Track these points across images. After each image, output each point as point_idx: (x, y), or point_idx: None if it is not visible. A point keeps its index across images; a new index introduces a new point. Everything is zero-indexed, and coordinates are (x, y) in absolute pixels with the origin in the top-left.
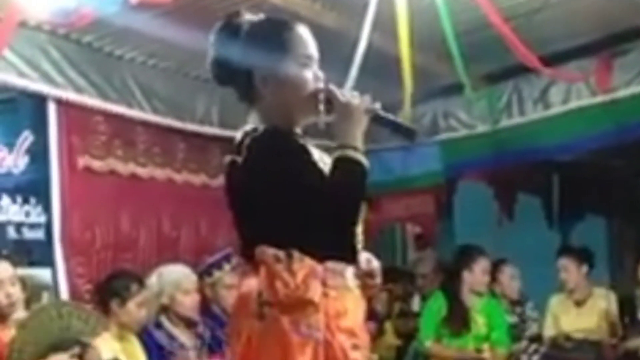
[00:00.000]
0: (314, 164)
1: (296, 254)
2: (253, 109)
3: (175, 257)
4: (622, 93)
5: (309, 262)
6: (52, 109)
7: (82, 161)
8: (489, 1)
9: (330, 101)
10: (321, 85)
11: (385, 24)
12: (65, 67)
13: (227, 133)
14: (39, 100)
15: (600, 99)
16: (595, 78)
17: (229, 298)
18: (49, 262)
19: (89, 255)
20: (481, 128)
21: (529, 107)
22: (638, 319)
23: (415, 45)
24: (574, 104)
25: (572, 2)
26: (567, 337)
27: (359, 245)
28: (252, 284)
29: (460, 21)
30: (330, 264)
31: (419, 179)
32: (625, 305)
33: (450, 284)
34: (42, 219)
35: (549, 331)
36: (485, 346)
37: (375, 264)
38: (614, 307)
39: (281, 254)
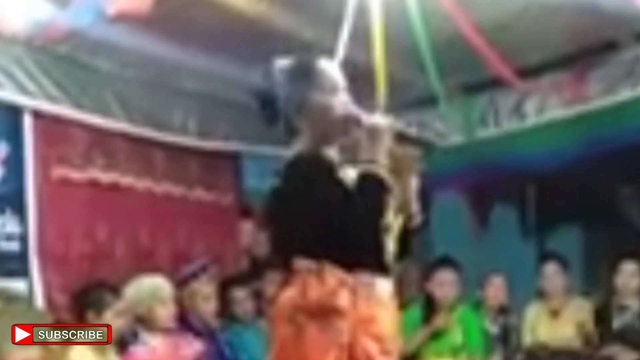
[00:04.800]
0: (337, 182)
1: (328, 266)
2: (295, 141)
3: (152, 268)
4: (596, 105)
5: (339, 273)
6: (27, 120)
7: (58, 172)
8: (464, 14)
9: (358, 123)
10: (350, 109)
11: (361, 36)
12: (41, 78)
13: (204, 144)
14: (15, 112)
15: (574, 110)
16: (569, 90)
17: (206, 308)
18: (24, 273)
19: (65, 266)
20: (457, 139)
21: (504, 118)
22: (613, 328)
23: (391, 56)
24: (548, 115)
25: (546, 16)
26: (543, 346)
27: (390, 258)
28: (288, 293)
29: (436, 33)
30: (361, 275)
31: None
32: (600, 314)
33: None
34: (18, 230)
35: (525, 340)
36: (462, 356)
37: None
38: (589, 316)
39: (314, 265)
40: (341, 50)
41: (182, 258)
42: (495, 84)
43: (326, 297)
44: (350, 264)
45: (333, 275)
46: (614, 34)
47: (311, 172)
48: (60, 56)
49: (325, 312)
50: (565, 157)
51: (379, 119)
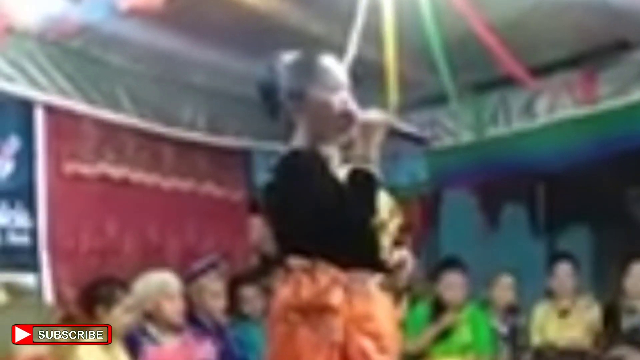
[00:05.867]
0: (331, 179)
1: (321, 263)
2: (292, 135)
3: (161, 263)
4: (607, 105)
5: (332, 271)
6: (39, 114)
7: (70, 166)
8: (475, 12)
9: (353, 120)
10: (348, 107)
11: (372, 33)
12: (52, 73)
13: (215, 139)
14: (26, 106)
15: (585, 110)
16: (580, 90)
17: (214, 305)
18: (34, 267)
19: (75, 261)
20: (467, 137)
21: (514, 117)
22: (622, 329)
23: (402, 54)
24: (559, 115)
25: (557, 14)
26: (552, 346)
27: (384, 254)
28: (283, 292)
29: (447, 31)
30: (355, 273)
31: (405, 189)
32: (609, 314)
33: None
34: (28, 224)
35: (533, 340)
36: (470, 355)
37: (404, 254)
38: (597, 317)
39: (307, 263)
40: (353, 48)
41: (192, 254)
42: (506, 82)
43: (318, 295)
44: (345, 261)
45: (326, 273)
46: (625, 33)
47: (305, 169)
48: (72, 51)
49: (318, 311)
50: (575, 157)
51: (373, 115)
